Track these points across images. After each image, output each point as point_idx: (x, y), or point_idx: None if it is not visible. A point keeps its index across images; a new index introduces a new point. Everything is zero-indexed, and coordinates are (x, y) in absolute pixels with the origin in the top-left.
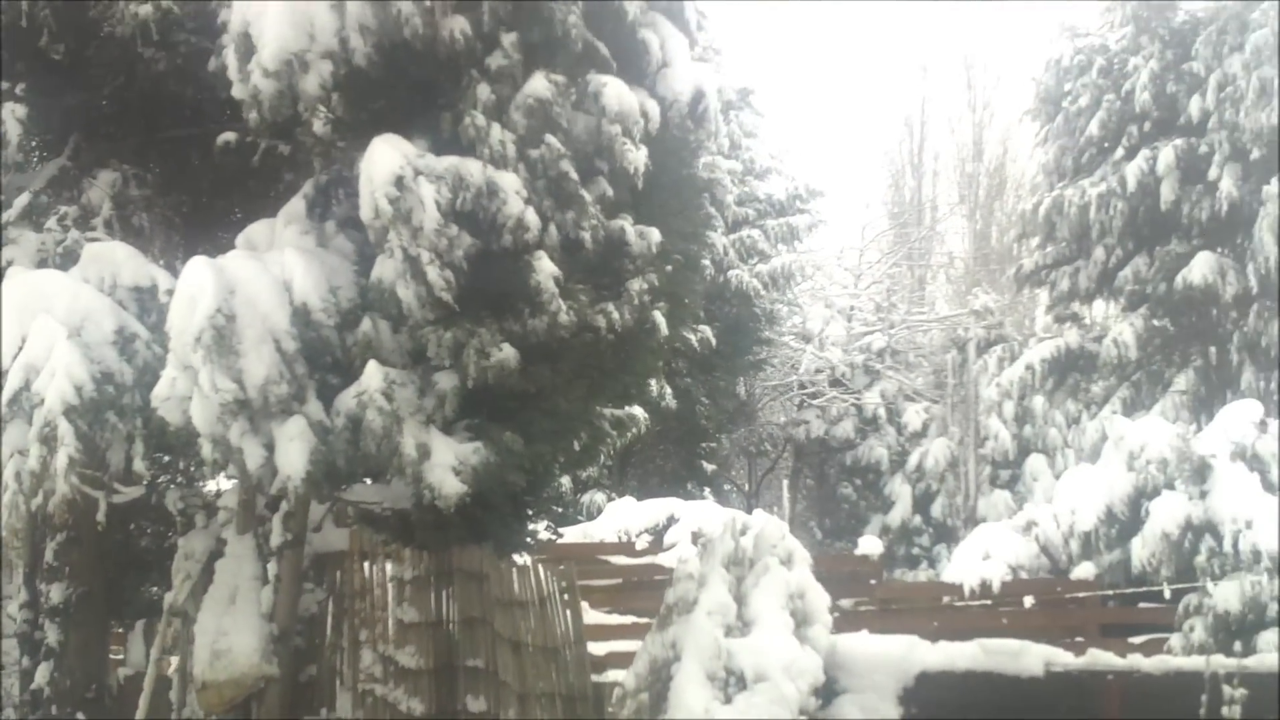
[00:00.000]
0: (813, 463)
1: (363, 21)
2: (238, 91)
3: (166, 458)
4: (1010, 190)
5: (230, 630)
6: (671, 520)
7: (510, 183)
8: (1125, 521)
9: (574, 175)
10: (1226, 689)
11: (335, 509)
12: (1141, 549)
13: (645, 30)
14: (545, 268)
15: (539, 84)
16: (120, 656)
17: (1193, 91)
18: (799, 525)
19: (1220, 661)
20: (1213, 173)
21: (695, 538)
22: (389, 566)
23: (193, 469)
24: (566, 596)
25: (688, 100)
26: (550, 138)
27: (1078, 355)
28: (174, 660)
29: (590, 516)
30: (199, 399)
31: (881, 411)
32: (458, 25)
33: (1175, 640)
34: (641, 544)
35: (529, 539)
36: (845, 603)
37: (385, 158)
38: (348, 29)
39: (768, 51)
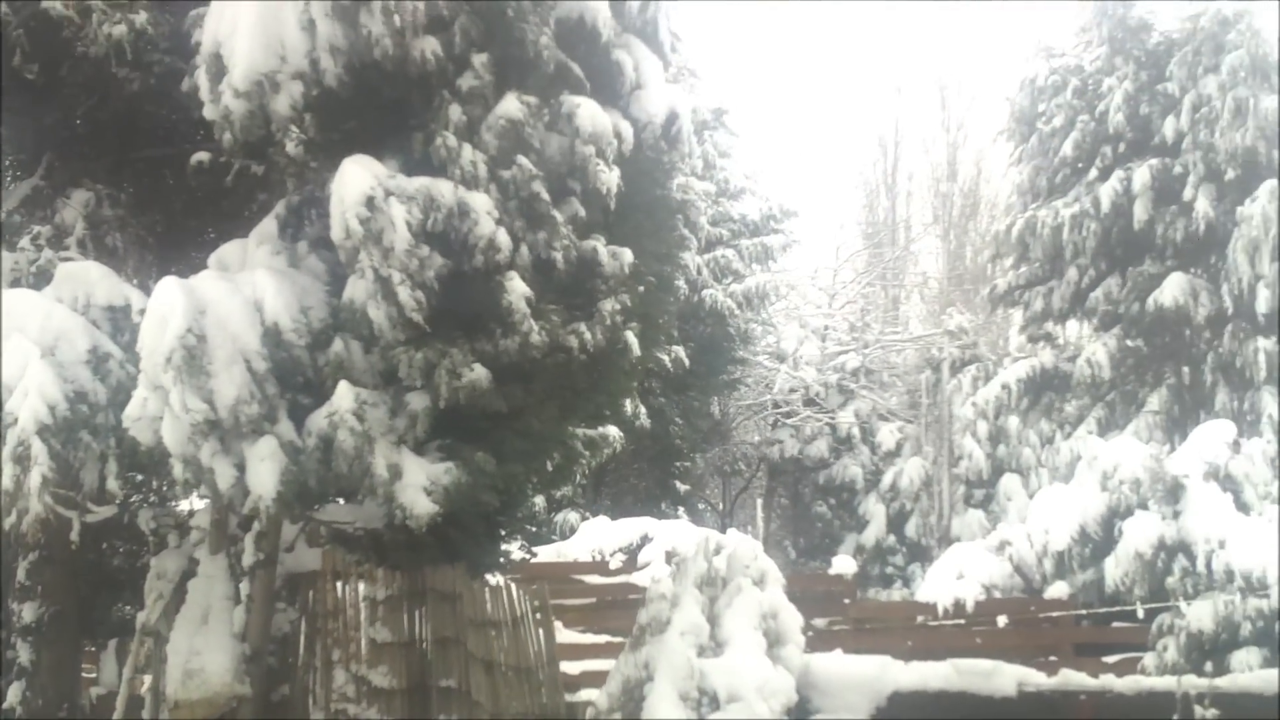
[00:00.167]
0: (787, 482)
1: (333, 42)
2: (209, 112)
3: (139, 477)
4: (984, 210)
5: (203, 650)
6: (645, 539)
7: (482, 203)
8: (1099, 541)
9: (546, 196)
10: (1198, 709)
11: (308, 529)
12: (1115, 569)
13: (619, 51)
14: (517, 288)
15: (511, 105)
16: (93, 676)
17: (1167, 112)
18: (773, 544)
19: (1192, 681)
20: (1187, 193)
21: (669, 557)
22: (362, 586)
23: (165, 488)
24: (539, 616)
25: (661, 121)
26: (522, 158)
27: (1052, 375)
28: (146, 680)
29: (564, 536)
30: (170, 419)
31: (856, 431)
32: (428, 46)
33: (1149, 659)
34: (615, 563)
35: (502, 558)
36: (819, 622)
37: (356, 178)
38: (318, 50)
39: (742, 72)
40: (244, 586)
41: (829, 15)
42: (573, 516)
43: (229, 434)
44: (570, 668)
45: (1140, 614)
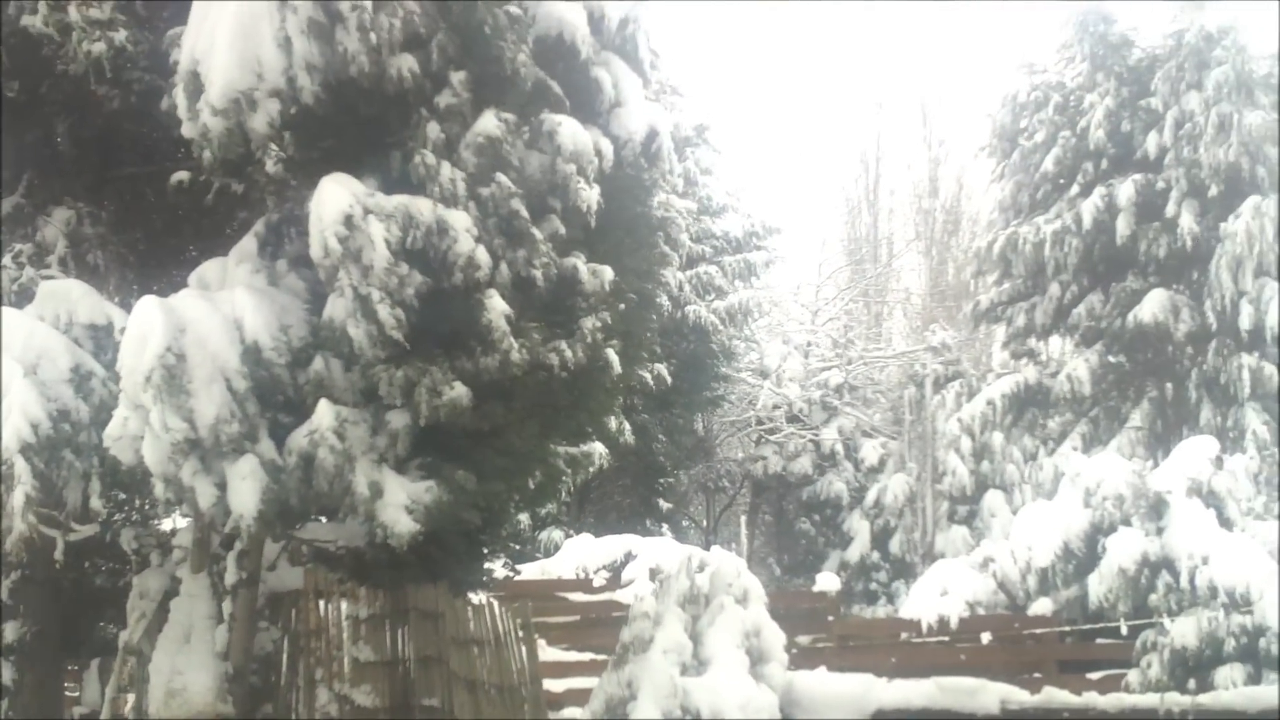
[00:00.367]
0: (771, 499)
1: (309, 60)
2: (187, 130)
3: (122, 496)
4: (966, 226)
5: (185, 669)
6: (629, 557)
7: (461, 221)
8: (1082, 558)
9: (525, 213)
10: None
11: (290, 547)
12: (1098, 585)
13: (598, 69)
14: (497, 306)
15: (489, 122)
16: (76, 695)
17: (1149, 128)
18: (757, 561)
19: (1175, 699)
20: (1170, 209)
21: (653, 574)
22: (344, 605)
23: (148, 507)
24: (522, 634)
25: (641, 139)
26: (501, 176)
27: (1035, 391)
28: (129, 699)
29: (548, 553)
30: (150, 438)
31: (839, 447)
32: (405, 64)
33: (1133, 676)
34: (599, 581)
35: (485, 577)
36: (803, 639)
37: (334, 197)
38: (295, 67)
39: (725, 88)
40: (226, 605)
41: (810, 32)
42: (557, 534)
43: (209, 453)
44: (554, 685)
45: (1124, 631)
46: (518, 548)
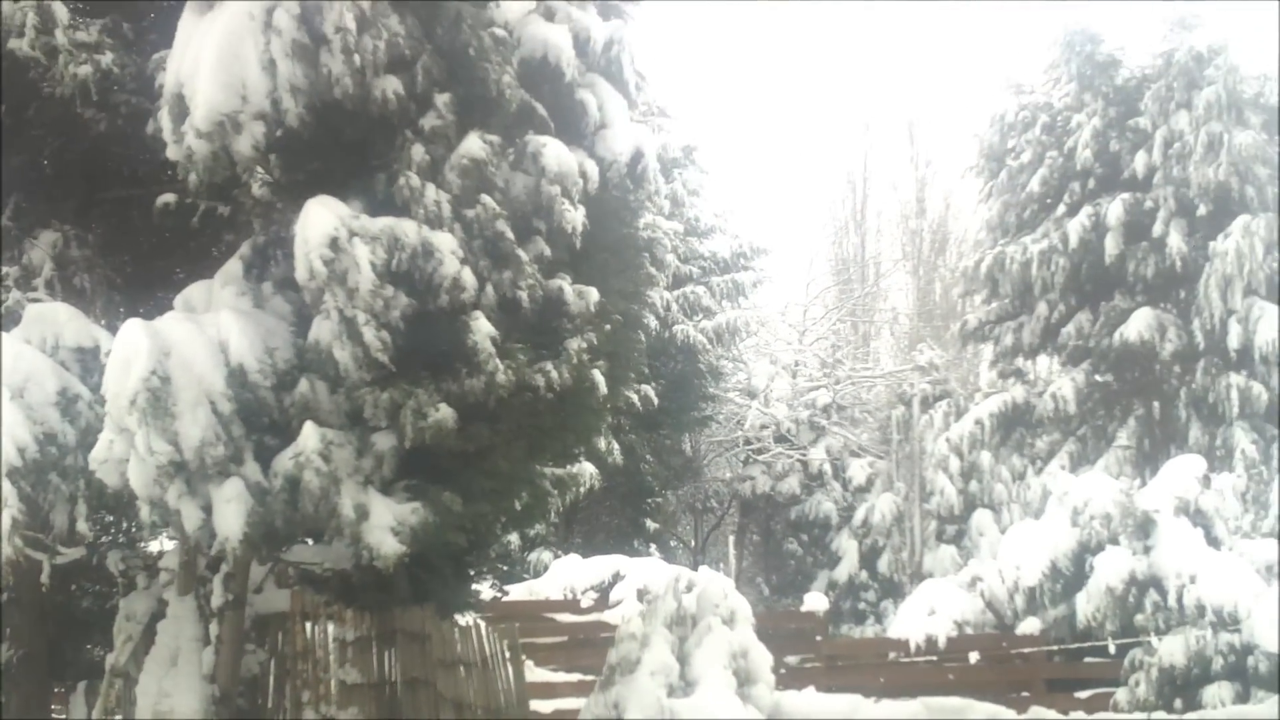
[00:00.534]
0: (759, 519)
1: (294, 82)
2: (172, 153)
3: (109, 518)
4: (953, 246)
5: (172, 691)
6: (617, 577)
7: (446, 243)
8: (1070, 577)
9: (510, 235)
10: None
11: (276, 570)
12: (1086, 604)
13: (583, 91)
14: (482, 327)
15: (473, 144)
16: (62, 718)
17: (1136, 148)
18: (745, 581)
19: (1163, 717)
20: (1157, 229)
21: (641, 595)
22: (331, 627)
23: (134, 530)
24: (509, 656)
25: (627, 160)
26: (486, 197)
27: (1023, 410)
28: None
29: (536, 574)
30: (136, 461)
31: (827, 467)
32: (390, 85)
33: (1121, 695)
34: (587, 601)
35: (472, 598)
36: (791, 659)
37: (319, 219)
38: (279, 90)
39: (713, 110)
40: (213, 628)
41: (797, 53)
42: (546, 555)
43: (195, 475)
44: (542, 706)
45: (1112, 649)
46: (505, 569)
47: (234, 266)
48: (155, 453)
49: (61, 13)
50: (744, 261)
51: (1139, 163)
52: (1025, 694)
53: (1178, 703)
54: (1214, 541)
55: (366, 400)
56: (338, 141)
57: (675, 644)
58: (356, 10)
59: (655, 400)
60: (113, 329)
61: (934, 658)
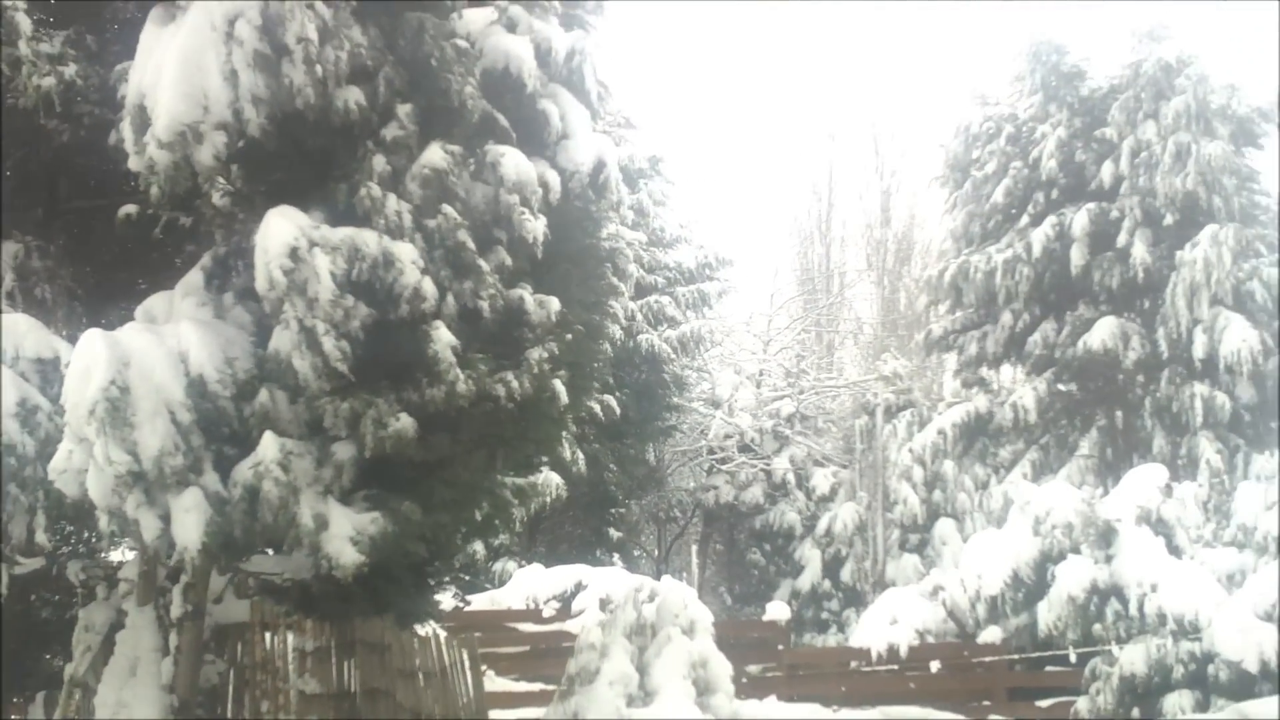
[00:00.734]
0: (722, 528)
1: (255, 93)
2: (134, 163)
3: (69, 529)
4: (918, 256)
5: (131, 702)
6: (580, 587)
7: (406, 253)
8: (1031, 586)
9: (471, 245)
10: None
11: (236, 580)
12: (1048, 613)
13: (545, 101)
14: (443, 337)
15: (435, 154)
16: None
17: (1102, 158)
18: (708, 591)
19: None
20: (1122, 239)
21: (603, 604)
22: (290, 637)
23: (94, 540)
24: (469, 665)
25: (589, 171)
26: (447, 208)
27: (986, 420)
28: None
29: (500, 583)
30: (94, 471)
31: (790, 477)
32: (352, 96)
33: (1082, 704)
34: (549, 611)
35: (433, 608)
36: (753, 668)
37: (280, 229)
38: (241, 100)
39: (678, 120)
40: (172, 638)
41: (762, 64)
42: (510, 565)
43: (154, 485)
44: (503, 716)
45: (1073, 658)
46: (468, 578)
47: (195, 277)
48: (114, 462)
49: (25, 24)
50: (709, 271)
51: (1105, 173)
52: (986, 703)
53: (1137, 711)
54: (1175, 550)
55: (326, 410)
56: (299, 152)
57: (635, 654)
58: (318, 21)
59: (619, 410)
60: (74, 340)
61: (895, 667)
